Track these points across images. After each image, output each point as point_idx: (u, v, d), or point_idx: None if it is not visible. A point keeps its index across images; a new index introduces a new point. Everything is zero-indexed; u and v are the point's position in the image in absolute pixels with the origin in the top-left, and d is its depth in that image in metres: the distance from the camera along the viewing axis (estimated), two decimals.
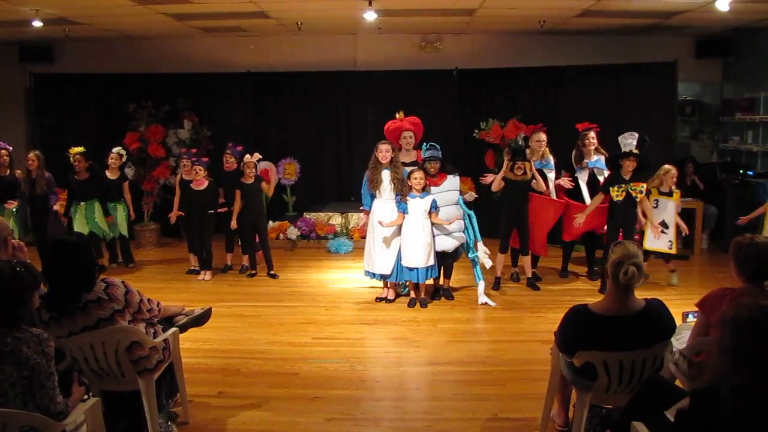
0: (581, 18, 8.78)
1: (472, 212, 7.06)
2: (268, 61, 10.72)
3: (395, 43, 10.63)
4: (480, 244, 6.98)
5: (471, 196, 7.35)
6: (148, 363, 3.68)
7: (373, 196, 6.94)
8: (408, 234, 6.74)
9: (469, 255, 7.02)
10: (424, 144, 7.02)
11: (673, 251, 7.44)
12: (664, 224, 7.37)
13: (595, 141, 7.65)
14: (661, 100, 9.92)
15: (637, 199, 7.16)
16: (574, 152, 7.82)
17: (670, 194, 7.44)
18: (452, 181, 6.95)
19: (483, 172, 8.12)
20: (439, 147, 6.94)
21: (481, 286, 6.95)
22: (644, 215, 7.29)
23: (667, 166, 7.52)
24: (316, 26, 9.78)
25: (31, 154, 7.98)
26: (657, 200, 7.40)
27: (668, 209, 7.39)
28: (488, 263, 7.01)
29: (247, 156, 7.95)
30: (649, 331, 3.38)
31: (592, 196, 7.53)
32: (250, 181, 7.92)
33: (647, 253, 7.37)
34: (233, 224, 7.98)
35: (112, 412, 3.74)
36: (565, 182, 7.63)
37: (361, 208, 7.28)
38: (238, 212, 7.91)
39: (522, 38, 10.35)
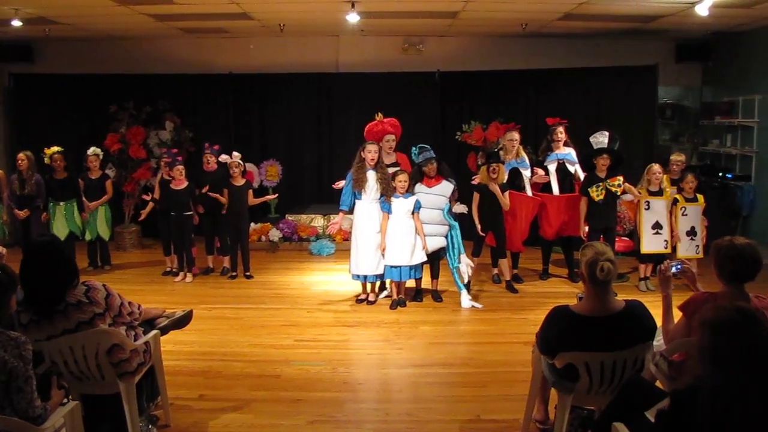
0: (563, 21, 8.83)
1: (456, 224, 7.00)
2: (251, 63, 10.66)
3: (377, 45, 10.62)
4: (463, 257, 6.89)
5: (459, 208, 7.19)
6: (128, 366, 3.65)
7: (356, 197, 6.93)
8: (392, 233, 6.76)
9: (452, 264, 6.97)
10: (414, 147, 6.99)
11: (668, 251, 7.25)
12: (658, 225, 7.28)
13: (563, 135, 7.74)
14: (642, 104, 10.01)
15: (618, 193, 7.19)
16: (543, 145, 7.96)
17: (660, 193, 7.34)
18: (445, 187, 6.91)
19: (465, 174, 8.13)
20: (429, 146, 6.92)
21: (464, 294, 6.90)
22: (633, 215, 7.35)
23: (650, 164, 7.45)
24: (299, 28, 9.76)
25: (21, 154, 7.92)
26: (648, 201, 7.29)
27: (659, 209, 7.28)
28: (466, 279, 6.93)
29: (225, 156, 7.91)
30: (629, 331, 3.40)
31: (560, 185, 7.65)
32: (239, 183, 7.92)
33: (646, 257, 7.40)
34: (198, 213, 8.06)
35: (92, 416, 3.71)
36: (541, 178, 7.69)
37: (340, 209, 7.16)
38: (221, 211, 7.96)
39: (504, 41, 10.39)
